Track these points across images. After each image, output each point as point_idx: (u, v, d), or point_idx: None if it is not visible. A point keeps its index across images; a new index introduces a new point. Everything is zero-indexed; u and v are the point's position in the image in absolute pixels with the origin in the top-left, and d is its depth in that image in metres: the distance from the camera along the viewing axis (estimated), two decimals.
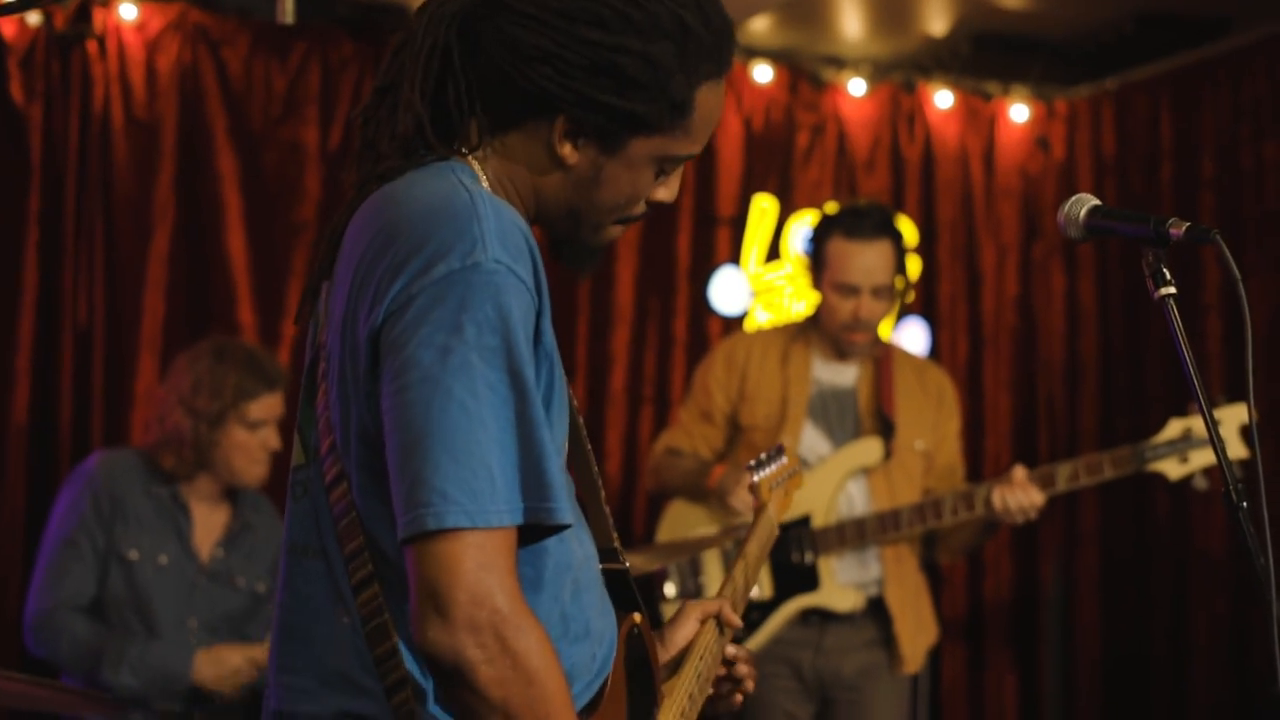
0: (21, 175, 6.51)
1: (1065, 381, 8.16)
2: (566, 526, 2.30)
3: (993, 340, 8.10)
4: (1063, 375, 8.17)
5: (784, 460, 3.54)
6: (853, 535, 5.34)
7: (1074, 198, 2.81)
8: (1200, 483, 5.37)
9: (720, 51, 2.48)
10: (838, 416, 5.54)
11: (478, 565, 2.18)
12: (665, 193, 2.58)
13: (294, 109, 6.94)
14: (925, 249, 7.91)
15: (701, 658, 2.85)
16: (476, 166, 2.46)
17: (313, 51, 6.97)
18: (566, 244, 2.57)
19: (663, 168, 2.53)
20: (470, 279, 2.22)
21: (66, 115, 6.57)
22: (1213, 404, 5.39)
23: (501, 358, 2.23)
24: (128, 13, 6.66)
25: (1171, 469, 5.09)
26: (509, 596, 2.20)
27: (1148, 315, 7.76)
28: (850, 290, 5.47)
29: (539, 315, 2.30)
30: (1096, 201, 2.80)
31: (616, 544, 2.74)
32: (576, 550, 2.49)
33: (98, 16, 6.62)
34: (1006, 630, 7.96)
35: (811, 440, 5.50)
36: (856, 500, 5.49)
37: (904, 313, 7.86)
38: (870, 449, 5.46)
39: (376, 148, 2.51)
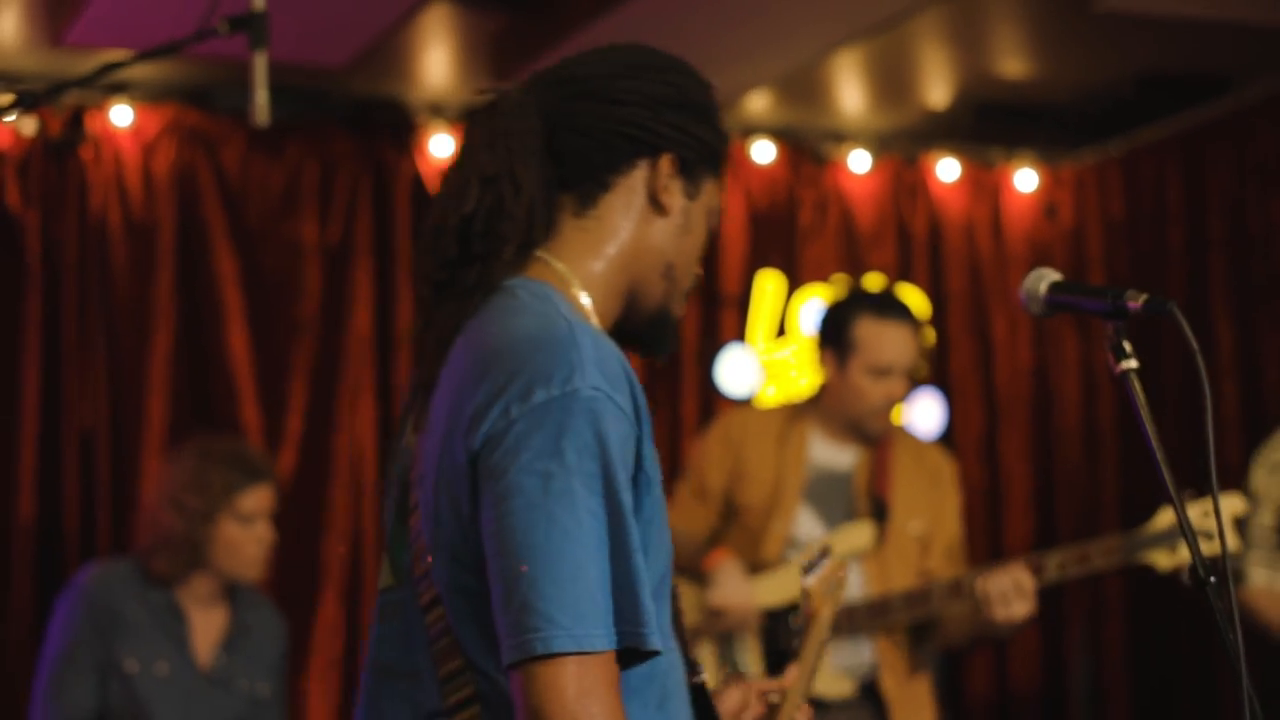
0: (19, 280, 6.54)
1: (1084, 450, 8.09)
2: (658, 653, 2.31)
3: (1008, 411, 8.04)
4: (1081, 444, 8.10)
5: (829, 562, 3.49)
6: (843, 621, 5.23)
7: (1035, 272, 2.75)
8: (1188, 578, 5.27)
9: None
10: (833, 499, 5.45)
11: (580, 690, 2.20)
12: (701, 263, 2.67)
13: (292, 206, 6.96)
14: (936, 321, 7.86)
15: None
16: (562, 269, 2.48)
17: (309, 148, 6.99)
18: (661, 319, 2.60)
19: (711, 222, 2.62)
20: (569, 405, 2.25)
21: (64, 220, 6.60)
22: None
23: (600, 483, 2.25)
24: (121, 117, 6.68)
25: (1161, 560, 4.98)
26: (612, 718, 2.22)
27: (1163, 379, 7.68)
28: (885, 372, 5.39)
29: (639, 441, 2.33)
30: (1057, 276, 2.74)
31: (694, 656, 2.73)
32: (666, 659, 2.45)
33: (93, 121, 6.65)
34: (1032, 700, 7.87)
35: (806, 524, 5.42)
36: (850, 585, 5.38)
37: (917, 386, 7.81)
38: (862, 533, 5.37)
39: (472, 249, 2.45)
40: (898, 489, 5.47)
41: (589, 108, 2.49)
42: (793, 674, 3.13)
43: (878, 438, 5.48)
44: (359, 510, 6.96)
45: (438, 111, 7.11)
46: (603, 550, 2.25)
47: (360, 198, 7.05)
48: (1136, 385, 2.67)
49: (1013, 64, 7.14)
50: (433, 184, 7.11)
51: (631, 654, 2.30)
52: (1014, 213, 8.13)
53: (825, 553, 3.44)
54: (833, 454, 5.51)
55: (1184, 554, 4.92)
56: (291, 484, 6.83)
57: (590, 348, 2.31)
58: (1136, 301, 2.65)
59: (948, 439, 7.89)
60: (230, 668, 5.26)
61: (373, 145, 7.07)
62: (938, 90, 7.34)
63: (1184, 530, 2.65)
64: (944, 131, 7.80)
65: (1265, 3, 6.27)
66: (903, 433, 5.81)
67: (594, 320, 2.47)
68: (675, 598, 2.60)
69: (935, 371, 7.87)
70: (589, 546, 2.23)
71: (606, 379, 2.29)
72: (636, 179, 2.52)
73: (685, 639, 2.68)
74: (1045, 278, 2.78)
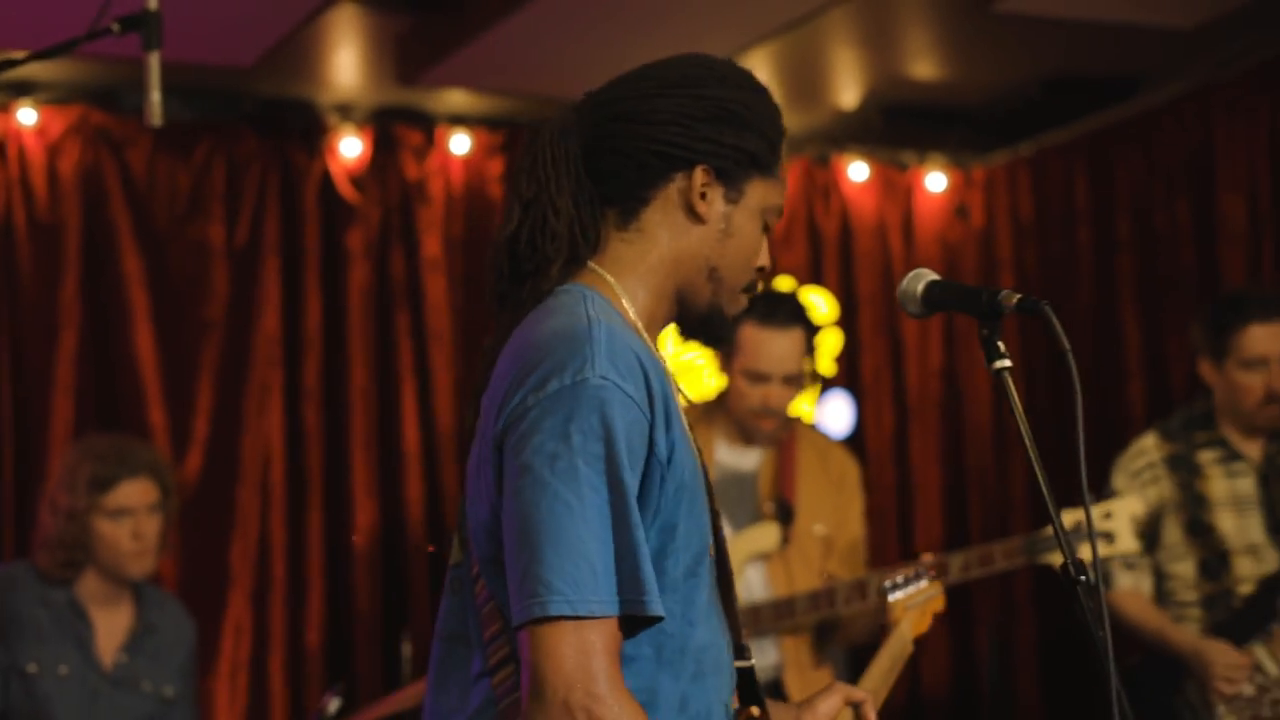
0: None
1: (994, 450, 8.14)
2: (660, 618, 2.47)
3: (919, 411, 8.07)
4: (991, 444, 8.14)
5: (923, 584, 3.56)
6: (748, 622, 5.23)
7: (912, 273, 2.77)
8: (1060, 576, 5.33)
9: (780, 119, 2.76)
10: (738, 501, 5.45)
11: (576, 652, 2.38)
12: (766, 257, 2.78)
13: (199, 207, 6.92)
14: (847, 322, 7.89)
15: None
16: (610, 280, 2.67)
17: (217, 149, 6.95)
18: (714, 317, 2.74)
19: (767, 221, 2.75)
20: (579, 393, 2.45)
21: None
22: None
23: (603, 463, 2.44)
24: (27, 117, 6.64)
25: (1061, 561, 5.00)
26: (606, 682, 2.38)
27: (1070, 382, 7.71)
28: (761, 377, 5.39)
29: (652, 428, 2.49)
30: (934, 276, 2.76)
31: (745, 640, 2.84)
32: (704, 636, 2.61)
33: None
34: (943, 702, 7.90)
35: None
36: (754, 586, 5.39)
37: (827, 387, 7.83)
38: (767, 534, 5.38)
39: (521, 266, 2.66)
40: (802, 490, 5.48)
41: (625, 129, 2.67)
42: (870, 680, 3.27)
43: (767, 440, 5.49)
44: (267, 512, 6.92)
45: (346, 113, 7.10)
46: (604, 524, 2.42)
47: (268, 199, 7.02)
48: (1010, 384, 2.68)
49: (922, 66, 7.18)
50: (342, 185, 7.10)
51: (637, 625, 2.47)
52: (925, 214, 8.17)
53: (920, 574, 3.53)
54: (737, 455, 5.52)
55: (1085, 554, 4.94)
56: (198, 485, 6.80)
57: (605, 341, 2.49)
58: (1010, 301, 2.66)
59: (858, 439, 7.91)
60: (134, 668, 5.22)
61: (281, 146, 7.04)
62: (848, 92, 7.37)
63: (1055, 528, 2.68)
64: (855, 133, 7.82)
65: (1169, 5, 6.32)
66: (808, 432, 5.82)
67: (639, 324, 2.66)
68: (725, 582, 2.73)
69: (846, 372, 7.90)
70: (590, 520, 2.41)
71: (617, 370, 2.47)
72: (673, 191, 2.68)
73: (736, 622, 2.78)
74: (922, 278, 2.80)
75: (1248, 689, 5.22)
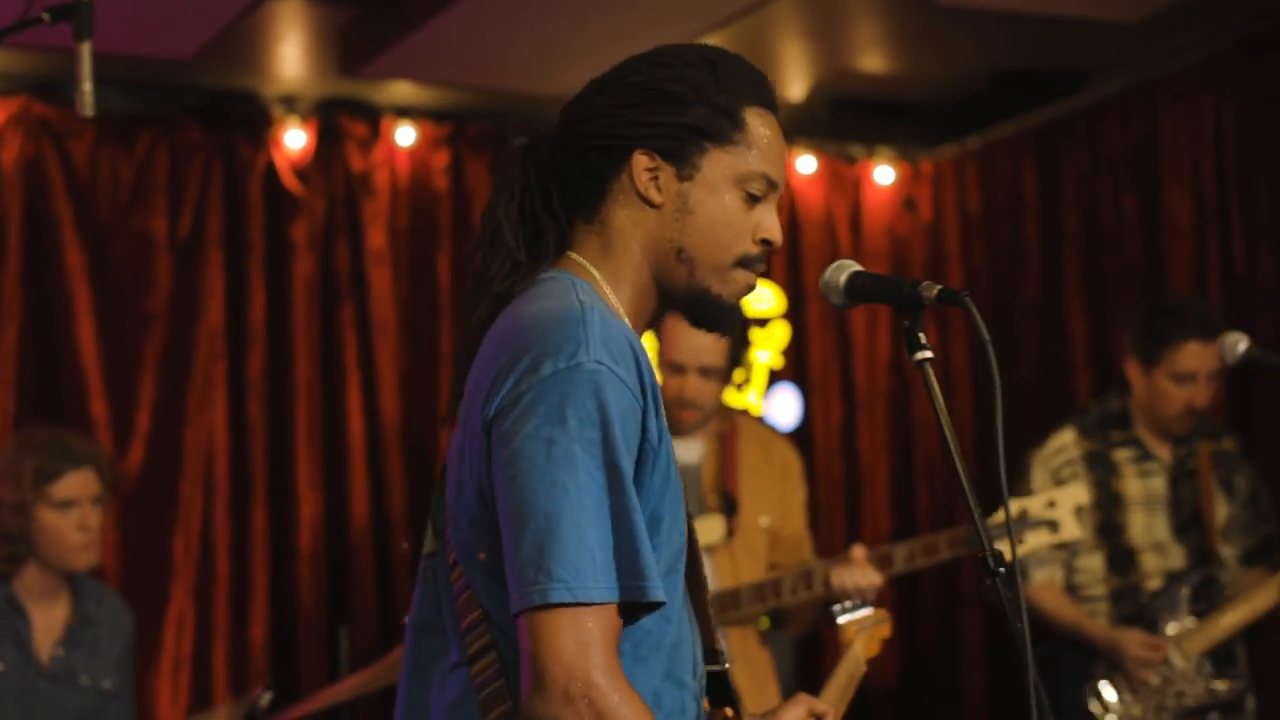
0: None
1: (942, 442, 8.11)
2: (661, 603, 2.47)
3: (867, 404, 8.07)
4: (939, 436, 8.11)
5: (869, 611, 3.57)
6: None
7: (835, 264, 2.76)
8: (1047, 561, 5.39)
9: (754, 84, 2.72)
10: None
11: (576, 639, 2.38)
12: (768, 230, 2.71)
13: (142, 199, 6.88)
14: (794, 315, 7.88)
15: None
16: (591, 269, 2.69)
17: (160, 141, 6.91)
18: (698, 300, 2.71)
19: (747, 190, 2.67)
20: (574, 377, 2.44)
21: None
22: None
23: (600, 449, 2.43)
24: None
25: (1007, 550, 5.02)
26: (606, 669, 2.38)
27: (1018, 375, 7.75)
28: (678, 369, 5.38)
29: (645, 414, 2.50)
30: (857, 267, 2.75)
31: (719, 645, 2.85)
32: (677, 634, 2.63)
33: None
34: (890, 695, 7.90)
35: None
36: None
37: (775, 380, 7.83)
38: (712, 527, 5.37)
39: (489, 271, 2.71)
40: (746, 482, 5.47)
41: (571, 132, 2.71)
42: (827, 697, 3.30)
43: (699, 431, 5.48)
44: (210, 506, 6.88)
45: (291, 104, 7.06)
46: (602, 510, 2.42)
47: (212, 190, 6.98)
48: (931, 375, 2.67)
49: (870, 59, 7.18)
50: (287, 177, 7.06)
51: (636, 611, 2.47)
52: (873, 206, 8.17)
53: (864, 604, 3.56)
54: (680, 448, 5.49)
55: (1030, 544, 4.98)
56: (140, 479, 6.76)
57: (598, 325, 2.49)
58: (931, 292, 2.65)
59: (806, 432, 7.91)
60: (71, 662, 5.18)
61: (225, 138, 7.01)
62: (795, 84, 7.36)
63: (973, 520, 2.66)
64: (802, 126, 7.82)
65: (1120, 1, 6.32)
66: (751, 424, 5.81)
67: (622, 312, 2.66)
68: (697, 582, 2.74)
69: (794, 365, 7.89)
70: (588, 506, 2.41)
71: (611, 355, 2.47)
72: (625, 180, 2.68)
73: (709, 624, 2.80)
74: (844, 269, 2.79)
75: (1154, 679, 5.30)
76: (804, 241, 8.01)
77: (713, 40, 6.55)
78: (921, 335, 2.70)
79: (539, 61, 6.48)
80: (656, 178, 2.66)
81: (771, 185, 2.70)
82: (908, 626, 7.95)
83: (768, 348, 7.91)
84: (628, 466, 2.45)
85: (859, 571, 5.07)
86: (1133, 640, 5.32)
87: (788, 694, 5.16)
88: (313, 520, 7.02)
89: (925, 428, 8.15)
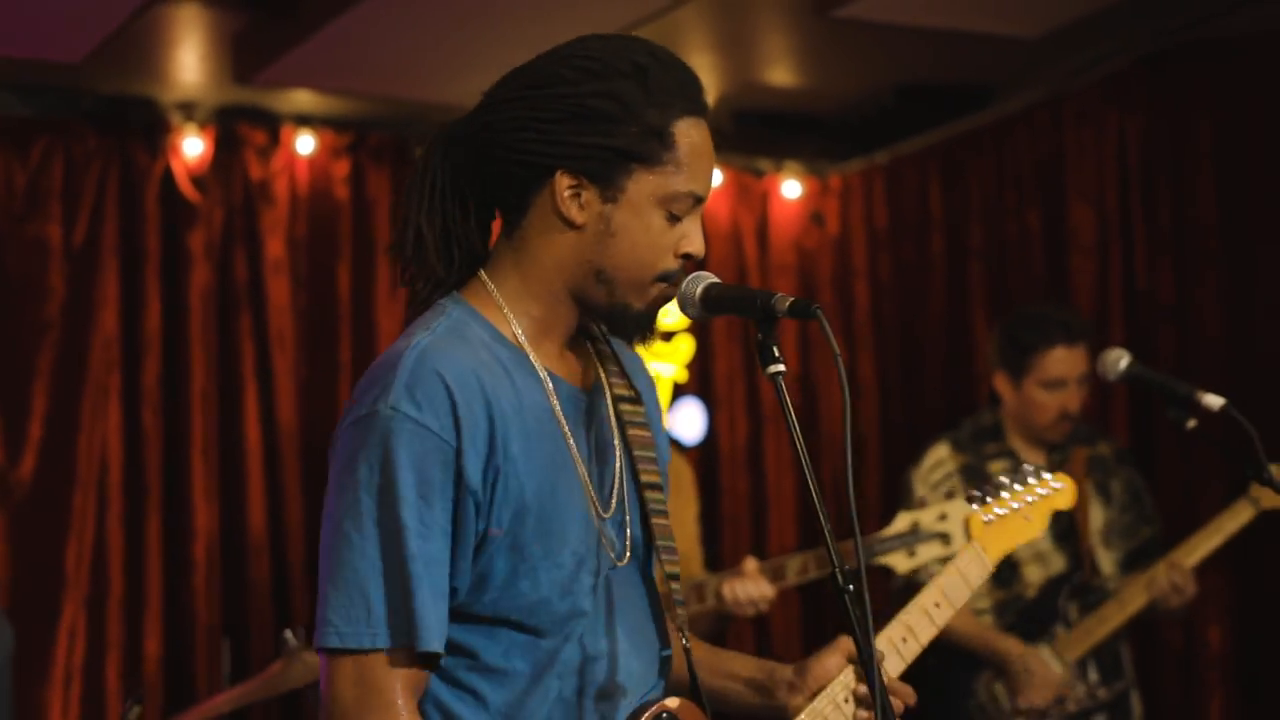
0: None
1: (794, 454, 8.09)
2: (435, 654, 2.50)
3: (773, 418, 8.04)
4: (792, 452, 8.11)
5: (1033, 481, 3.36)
6: None
7: (691, 275, 2.70)
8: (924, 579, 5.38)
9: (686, 90, 2.64)
10: None
11: (353, 684, 2.46)
12: (690, 244, 2.66)
13: (36, 206, 6.78)
14: (700, 329, 7.85)
15: (827, 698, 2.90)
16: (494, 291, 2.65)
17: (55, 146, 6.81)
18: (617, 316, 2.67)
19: (671, 210, 2.62)
20: (368, 425, 2.48)
21: None
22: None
23: (384, 495, 2.46)
24: None
25: (899, 563, 5.00)
26: (382, 713, 2.45)
27: (924, 390, 7.75)
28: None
29: (460, 454, 2.48)
30: (713, 279, 2.70)
31: (685, 641, 2.83)
32: (581, 654, 2.62)
33: None
34: None
35: None
36: None
37: (679, 394, 7.80)
38: None
39: (415, 290, 2.71)
40: None
41: (490, 138, 2.63)
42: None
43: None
44: (103, 516, 6.78)
45: (189, 111, 6.98)
46: (381, 557, 2.46)
47: (108, 197, 6.89)
48: (783, 388, 2.63)
49: (777, 73, 7.17)
50: (184, 184, 6.99)
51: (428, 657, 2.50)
52: (780, 220, 8.15)
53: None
54: None
55: (921, 557, 4.96)
56: (32, 489, 6.67)
57: (410, 368, 2.50)
58: (783, 305, 2.61)
59: (711, 446, 7.89)
60: None
61: (122, 144, 6.92)
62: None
63: (823, 535, 2.63)
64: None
65: (1014, 15, 6.32)
66: None
67: (519, 335, 2.64)
68: (636, 592, 2.71)
69: (699, 379, 7.86)
70: (368, 554, 2.46)
71: (412, 398, 2.47)
72: (547, 197, 2.61)
73: (658, 633, 2.77)
74: (701, 280, 2.73)
75: (1039, 703, 5.31)
76: (710, 255, 7.90)
77: None
78: (775, 348, 2.64)
79: (441, 70, 6.44)
80: (579, 196, 2.60)
81: (697, 201, 2.65)
82: (812, 641, 7.91)
83: (672, 362, 7.87)
84: (416, 514, 2.47)
85: (751, 583, 5.05)
86: (1040, 666, 5.32)
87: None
88: (208, 531, 6.94)
89: (832, 443, 8.13)
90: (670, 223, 2.63)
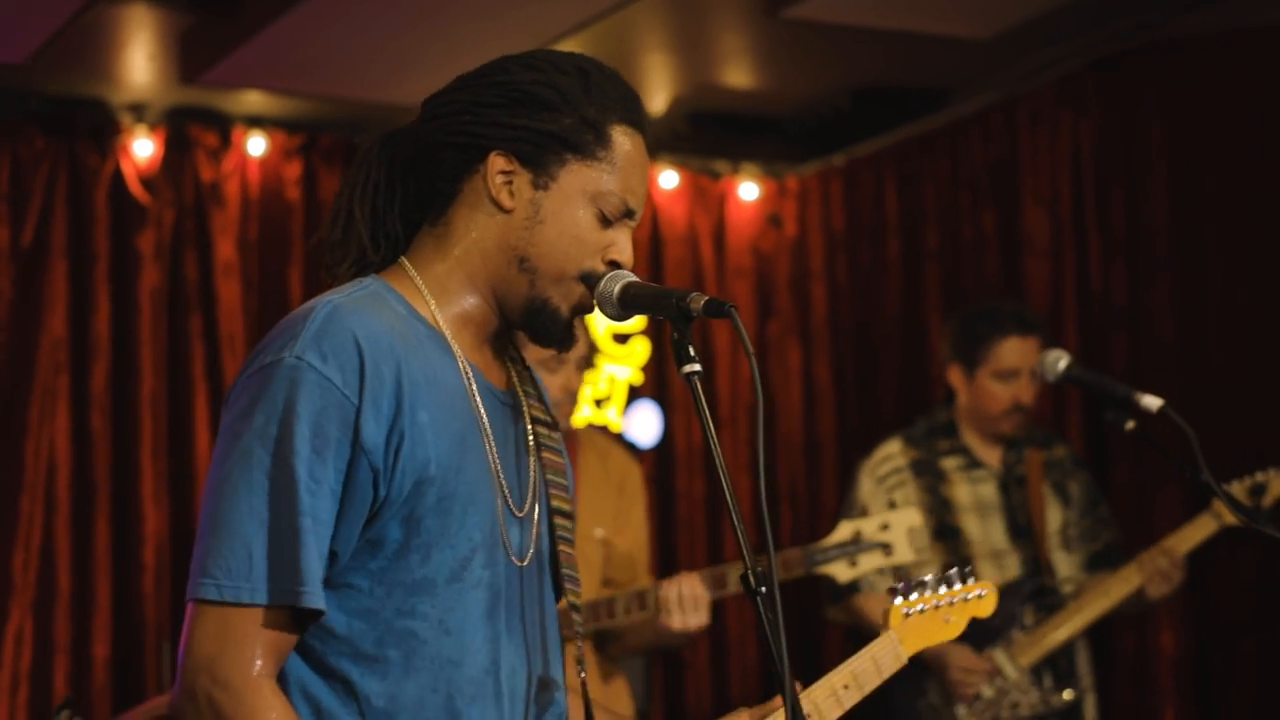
0: None
1: (805, 460, 8.13)
2: (318, 611, 2.42)
3: (730, 422, 8.03)
4: (802, 453, 8.13)
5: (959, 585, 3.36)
6: None
7: (609, 274, 2.67)
8: (877, 584, 5.36)
9: (626, 101, 2.64)
10: None
11: (217, 637, 2.36)
12: (618, 252, 2.64)
13: None
14: (655, 332, 7.83)
15: None
16: (415, 277, 2.63)
17: (2, 147, 6.78)
18: (536, 311, 2.63)
19: (602, 212, 2.61)
20: (271, 373, 2.41)
21: None
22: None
23: (279, 447, 2.38)
24: None
25: (841, 572, 4.97)
26: (239, 671, 2.36)
27: (880, 393, 7.74)
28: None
29: (360, 413, 2.42)
30: (632, 277, 2.66)
31: (552, 675, 2.74)
32: (456, 652, 2.53)
33: None
34: None
35: None
36: None
37: (635, 397, 7.77)
38: None
39: (336, 270, 2.68)
40: (582, 493, 5.39)
41: (428, 127, 2.64)
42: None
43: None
44: (51, 520, 6.74)
45: (139, 112, 6.94)
46: (268, 510, 2.38)
47: (56, 199, 6.85)
48: (698, 388, 2.59)
49: (733, 74, 7.15)
50: (134, 186, 6.95)
51: (303, 618, 2.43)
52: (738, 223, 8.13)
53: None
54: None
55: (863, 566, 4.93)
56: None
57: (321, 321, 2.45)
58: (698, 304, 2.57)
59: (668, 449, 7.87)
60: None
61: (71, 146, 6.89)
62: (657, 98, 7.32)
63: (738, 538, 2.59)
64: (665, 141, 7.77)
65: (964, 16, 6.31)
66: (590, 435, 5.73)
67: (440, 320, 2.60)
68: (499, 592, 2.60)
69: (654, 382, 7.84)
70: (256, 505, 2.38)
71: (319, 351, 2.42)
72: (477, 181, 2.60)
73: (548, 642, 2.71)
74: (619, 279, 2.70)
75: (988, 691, 5.31)
76: (667, 257, 7.96)
77: (571, 49, 6.49)
78: (691, 348, 2.61)
79: (391, 71, 6.42)
80: (510, 182, 2.59)
81: (628, 212, 2.64)
82: (767, 650, 7.87)
83: (628, 364, 7.85)
84: (307, 468, 2.40)
85: (687, 588, 4.99)
86: (956, 655, 5.29)
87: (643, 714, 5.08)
88: (157, 534, 6.91)
89: (789, 446, 8.12)
90: (600, 224, 2.62)
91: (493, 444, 2.61)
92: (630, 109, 2.65)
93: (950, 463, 5.53)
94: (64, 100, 6.86)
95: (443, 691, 2.53)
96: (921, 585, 3.22)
